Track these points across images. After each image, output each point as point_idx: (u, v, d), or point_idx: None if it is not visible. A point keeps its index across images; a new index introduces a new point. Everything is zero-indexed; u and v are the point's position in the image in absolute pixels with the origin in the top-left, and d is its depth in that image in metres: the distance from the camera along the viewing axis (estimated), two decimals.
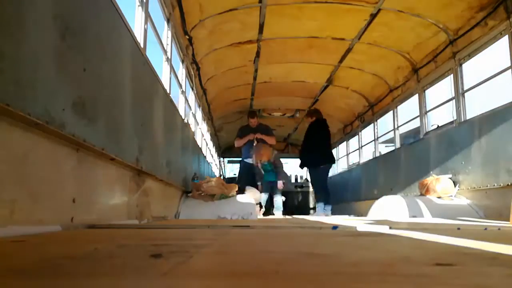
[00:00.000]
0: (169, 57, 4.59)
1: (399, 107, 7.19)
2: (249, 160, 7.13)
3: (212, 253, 1.05)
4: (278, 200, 7.31)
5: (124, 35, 2.78)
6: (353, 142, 9.87)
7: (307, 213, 11.97)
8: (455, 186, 5.00)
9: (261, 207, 7.10)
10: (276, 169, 7.12)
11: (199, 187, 5.41)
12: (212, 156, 11.19)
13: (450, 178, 5.03)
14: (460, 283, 0.65)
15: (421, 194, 5.28)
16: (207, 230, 2.18)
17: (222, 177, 12.87)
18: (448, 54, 5.26)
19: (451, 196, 4.97)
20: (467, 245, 1.24)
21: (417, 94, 6.27)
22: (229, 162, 14.27)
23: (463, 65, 5.10)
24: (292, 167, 14.48)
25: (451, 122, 5.42)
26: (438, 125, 5.88)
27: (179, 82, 5.49)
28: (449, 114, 5.63)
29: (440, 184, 5.00)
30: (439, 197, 5.00)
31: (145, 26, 3.46)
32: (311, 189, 13.20)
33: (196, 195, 5.34)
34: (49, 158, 1.82)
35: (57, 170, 1.89)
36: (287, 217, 6.59)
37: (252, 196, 5.68)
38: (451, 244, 1.26)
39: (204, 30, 5.19)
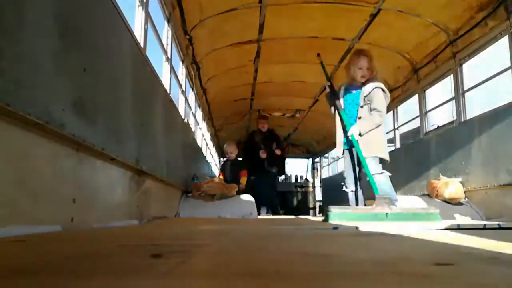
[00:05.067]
0: (169, 57, 4.60)
1: (399, 107, 7.19)
2: None
3: (212, 253, 1.05)
4: None
5: (124, 35, 2.78)
6: None
7: (307, 213, 11.98)
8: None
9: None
10: None
11: (199, 187, 5.41)
12: (212, 156, 11.20)
13: (460, 182, 4.80)
14: (459, 283, 0.65)
15: (428, 195, 5.15)
16: (207, 230, 2.18)
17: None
18: (448, 54, 5.26)
19: (462, 201, 4.76)
20: (467, 244, 1.24)
21: (417, 94, 6.28)
22: None
23: (463, 65, 5.11)
24: (293, 168, 14.45)
25: (451, 122, 5.42)
26: (438, 125, 5.88)
27: (179, 82, 5.49)
28: (449, 114, 5.63)
29: (448, 190, 4.78)
30: (447, 202, 4.78)
31: (145, 26, 3.46)
32: (310, 189, 13.22)
33: (196, 195, 5.34)
34: (49, 158, 1.82)
35: (57, 170, 1.89)
36: (288, 217, 6.59)
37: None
38: (451, 244, 1.26)
39: (204, 30, 5.19)
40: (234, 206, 5.23)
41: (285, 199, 12.32)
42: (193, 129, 6.70)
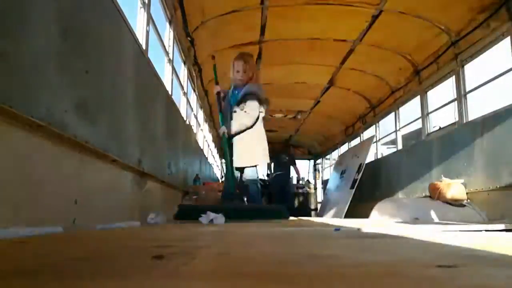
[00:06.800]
0: (171, 59, 4.60)
1: (400, 109, 7.18)
2: None
3: (214, 254, 1.05)
4: None
5: (126, 36, 2.79)
6: (355, 143, 9.86)
7: (309, 215, 11.96)
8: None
9: None
10: None
11: (197, 191, 5.33)
12: (214, 158, 11.20)
13: (462, 183, 4.78)
14: (461, 284, 0.65)
15: (430, 197, 5.13)
16: (209, 231, 2.18)
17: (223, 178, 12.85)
18: (450, 55, 5.26)
19: (465, 202, 4.74)
20: (469, 246, 1.24)
21: (418, 96, 6.27)
22: None
23: (465, 67, 5.10)
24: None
25: (453, 124, 5.41)
26: (440, 127, 5.86)
27: (180, 84, 5.49)
28: (451, 116, 5.62)
29: (451, 191, 4.75)
30: (450, 204, 4.75)
31: (147, 28, 3.47)
32: (312, 190, 13.20)
33: (193, 199, 5.25)
34: (52, 159, 1.83)
35: (59, 171, 1.90)
36: (289, 218, 6.57)
37: None
38: (453, 246, 1.26)
39: (206, 31, 5.20)
40: None
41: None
42: (194, 131, 6.70)
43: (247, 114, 4.21)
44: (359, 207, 8.28)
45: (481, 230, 2.53)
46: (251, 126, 4.23)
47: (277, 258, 0.99)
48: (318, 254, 1.08)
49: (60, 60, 1.80)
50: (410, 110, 7.12)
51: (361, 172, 7.64)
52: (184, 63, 5.60)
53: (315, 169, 13.98)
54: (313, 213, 12.48)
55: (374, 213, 5.58)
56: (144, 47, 3.31)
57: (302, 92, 8.10)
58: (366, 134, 9.00)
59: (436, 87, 5.91)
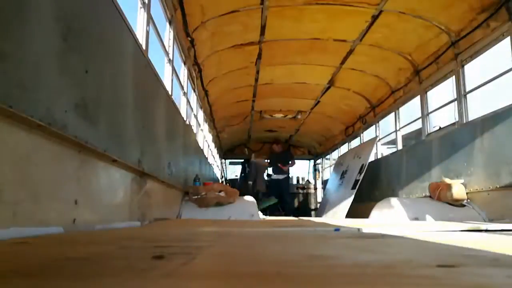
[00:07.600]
0: (171, 59, 4.60)
1: (400, 109, 7.18)
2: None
3: (214, 254, 1.05)
4: None
5: (126, 36, 2.78)
6: (355, 143, 9.87)
7: (309, 215, 11.97)
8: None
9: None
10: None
11: (197, 192, 5.32)
12: (214, 158, 11.19)
13: (463, 183, 4.76)
14: (461, 284, 0.65)
15: (430, 197, 5.12)
16: (209, 231, 2.18)
17: (224, 179, 12.86)
18: (450, 55, 5.26)
19: (465, 202, 4.74)
20: (468, 246, 1.24)
21: (419, 96, 6.27)
22: (230, 163, 14.27)
23: (465, 67, 5.10)
24: (294, 168, 14.37)
25: (453, 124, 5.41)
26: (440, 127, 5.86)
27: (180, 84, 5.49)
28: (451, 116, 5.61)
29: (451, 191, 4.73)
30: (450, 204, 4.75)
31: (147, 28, 3.47)
32: (312, 190, 13.21)
33: (193, 199, 5.24)
34: (52, 159, 1.83)
35: (59, 172, 1.90)
36: (290, 218, 6.58)
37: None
38: (453, 246, 1.26)
39: (206, 31, 5.20)
40: (235, 207, 5.21)
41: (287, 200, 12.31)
42: (194, 131, 6.70)
43: None
44: (359, 207, 8.27)
45: (481, 230, 2.53)
46: None
47: (277, 258, 0.99)
48: (319, 254, 1.08)
49: (60, 60, 1.80)
50: (411, 110, 7.12)
51: (363, 173, 7.64)
52: (184, 63, 5.60)
53: (315, 169, 13.99)
54: (312, 213, 12.49)
55: (374, 213, 5.57)
56: (144, 47, 3.31)
57: (302, 92, 8.10)
58: (366, 134, 9.01)
59: (436, 87, 5.91)
